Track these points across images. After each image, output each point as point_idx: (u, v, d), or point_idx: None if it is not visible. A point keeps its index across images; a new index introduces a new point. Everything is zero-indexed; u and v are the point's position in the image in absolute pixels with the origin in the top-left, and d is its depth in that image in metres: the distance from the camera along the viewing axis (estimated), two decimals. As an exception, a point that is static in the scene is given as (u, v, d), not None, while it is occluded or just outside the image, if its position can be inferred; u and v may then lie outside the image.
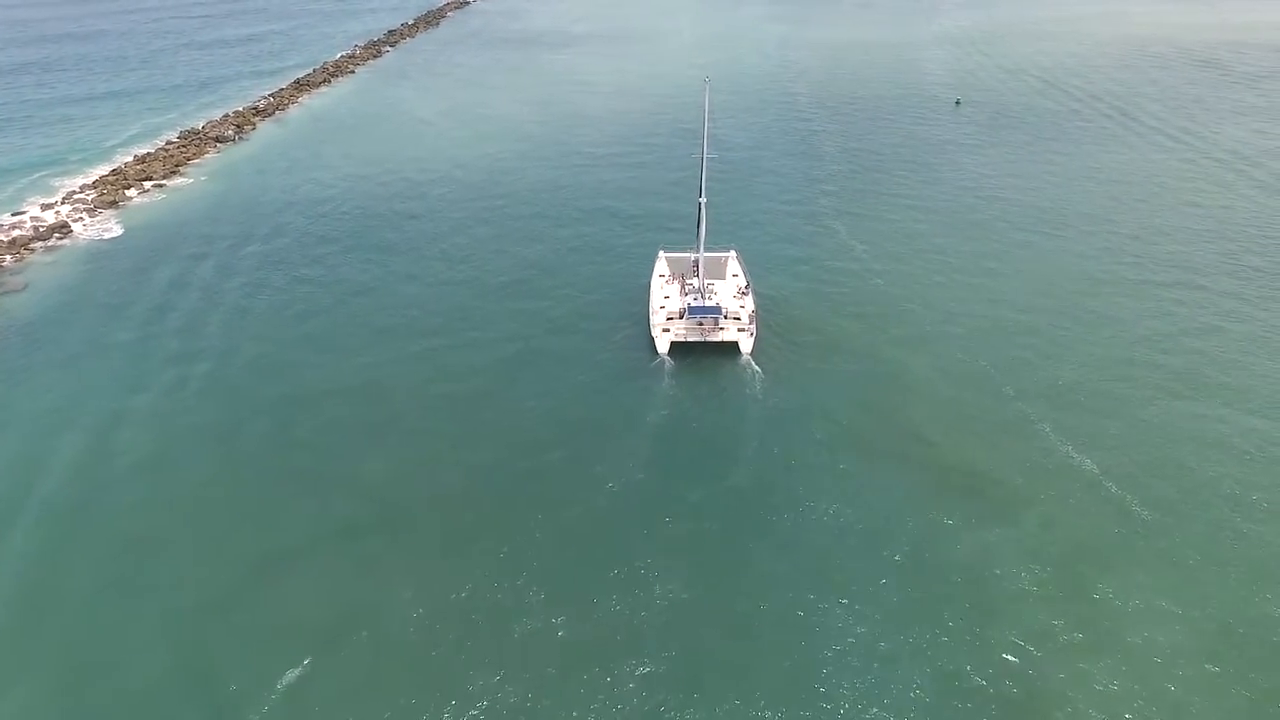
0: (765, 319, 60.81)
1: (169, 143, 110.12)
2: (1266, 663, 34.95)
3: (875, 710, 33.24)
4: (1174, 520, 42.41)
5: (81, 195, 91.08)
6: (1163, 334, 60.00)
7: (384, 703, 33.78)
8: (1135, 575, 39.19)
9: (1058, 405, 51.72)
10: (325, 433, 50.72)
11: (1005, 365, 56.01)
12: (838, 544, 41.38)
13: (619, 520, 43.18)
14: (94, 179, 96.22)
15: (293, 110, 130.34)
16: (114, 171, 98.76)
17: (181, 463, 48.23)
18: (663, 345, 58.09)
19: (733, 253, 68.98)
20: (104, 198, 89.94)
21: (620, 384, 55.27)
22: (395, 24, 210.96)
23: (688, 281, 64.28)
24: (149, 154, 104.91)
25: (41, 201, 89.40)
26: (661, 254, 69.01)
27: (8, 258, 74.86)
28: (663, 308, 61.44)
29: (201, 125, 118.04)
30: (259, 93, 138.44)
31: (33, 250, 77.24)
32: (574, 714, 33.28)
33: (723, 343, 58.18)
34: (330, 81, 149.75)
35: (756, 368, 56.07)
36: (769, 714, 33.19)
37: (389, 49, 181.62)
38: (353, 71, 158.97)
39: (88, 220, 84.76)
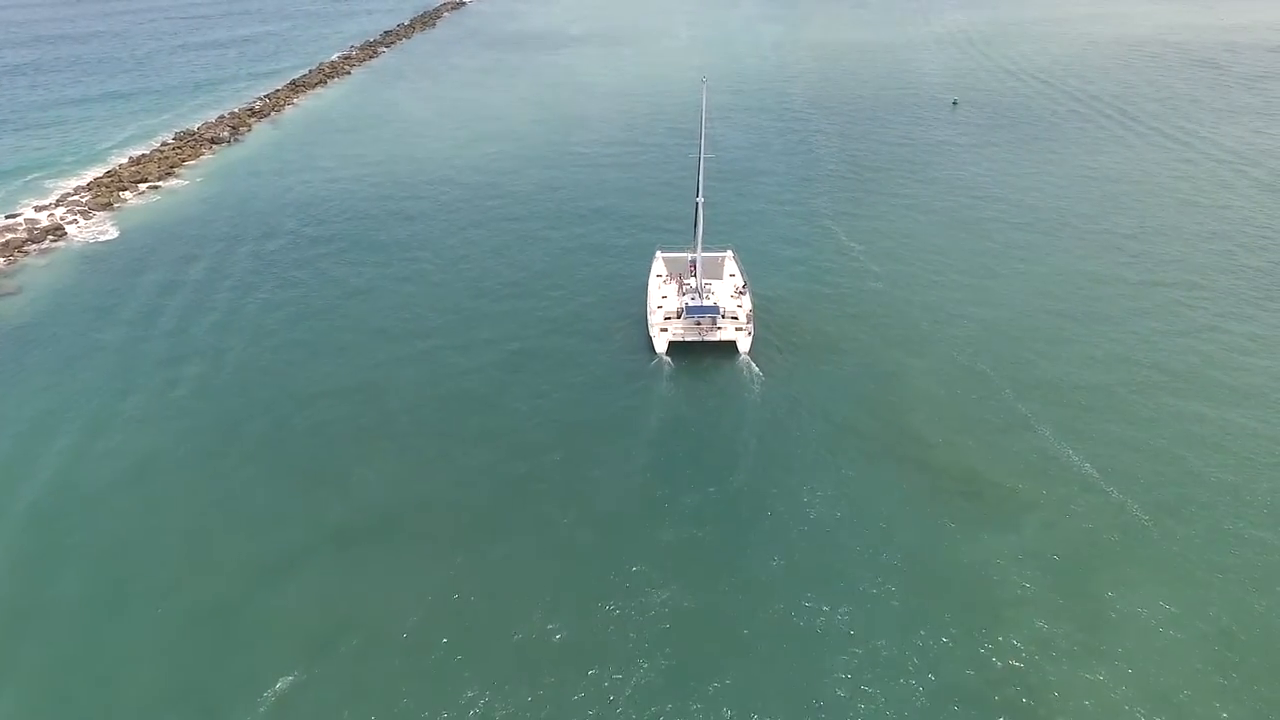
0: (762, 319, 60.58)
1: (164, 144, 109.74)
2: (1269, 667, 34.67)
3: (875, 714, 32.93)
4: (1174, 522, 42.15)
5: (76, 197, 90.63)
6: (1162, 334, 59.83)
7: (377, 710, 33.39)
8: (1136, 577, 38.94)
9: (1057, 406, 51.48)
10: (319, 435, 50.36)
11: (1004, 365, 55.78)
12: (837, 546, 41.09)
13: (617, 523, 42.86)
14: (88, 181, 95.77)
15: (288, 111, 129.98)
16: (109, 173, 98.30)
17: (175, 466, 47.84)
18: (661, 345, 57.94)
19: (730, 252, 68.86)
20: (98, 200, 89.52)
21: (618, 384, 55.01)
22: (391, 25, 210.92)
23: (685, 281, 64.08)
24: (144, 156, 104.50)
25: (35, 203, 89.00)
26: (659, 254, 68.83)
27: (1, 260, 74.44)
28: (660, 307, 61.29)
29: (196, 127, 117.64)
30: (254, 94, 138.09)
31: (27, 253, 76.81)
32: (571, 720, 32.91)
33: (721, 342, 58.10)
34: (326, 82, 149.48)
35: (755, 367, 55.87)
36: None
37: (385, 50, 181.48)
38: (348, 72, 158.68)
39: (82, 222, 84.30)
